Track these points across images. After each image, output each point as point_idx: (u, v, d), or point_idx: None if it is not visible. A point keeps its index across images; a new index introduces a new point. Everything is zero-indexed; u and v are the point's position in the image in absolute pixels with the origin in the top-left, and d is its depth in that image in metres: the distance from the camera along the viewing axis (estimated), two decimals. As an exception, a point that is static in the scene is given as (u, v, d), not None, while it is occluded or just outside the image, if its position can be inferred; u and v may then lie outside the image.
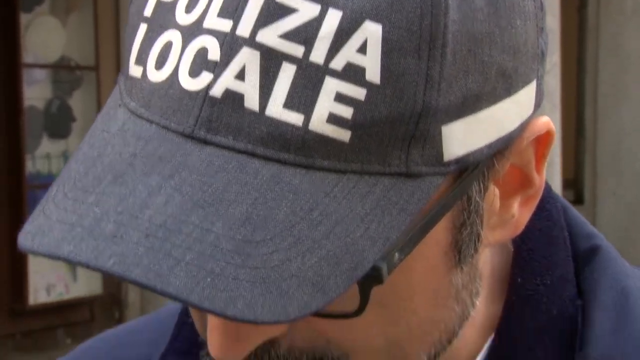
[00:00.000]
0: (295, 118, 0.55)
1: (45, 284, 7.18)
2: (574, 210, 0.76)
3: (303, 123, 0.55)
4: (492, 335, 0.71)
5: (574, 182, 9.20)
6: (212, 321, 0.60)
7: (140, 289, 7.07)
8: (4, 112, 6.95)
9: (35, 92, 7.20)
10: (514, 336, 0.70)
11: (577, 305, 0.71)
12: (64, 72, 7.41)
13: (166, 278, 0.51)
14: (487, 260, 0.71)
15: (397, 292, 0.60)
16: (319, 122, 0.55)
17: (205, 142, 0.55)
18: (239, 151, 0.55)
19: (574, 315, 0.71)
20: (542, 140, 0.64)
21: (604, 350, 0.69)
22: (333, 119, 0.55)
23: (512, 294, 0.71)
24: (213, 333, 0.60)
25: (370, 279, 0.56)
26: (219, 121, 0.55)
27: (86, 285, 7.41)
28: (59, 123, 7.34)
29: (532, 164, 0.64)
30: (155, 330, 0.81)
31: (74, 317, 7.23)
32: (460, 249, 0.62)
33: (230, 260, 0.52)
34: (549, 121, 0.64)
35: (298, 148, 0.55)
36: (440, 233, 0.61)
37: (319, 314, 0.58)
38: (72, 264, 0.53)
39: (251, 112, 0.55)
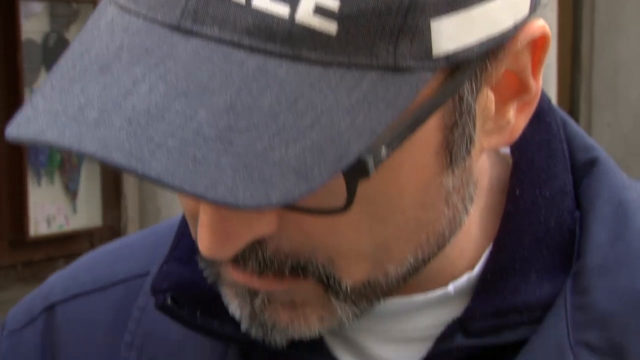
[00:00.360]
0: (281, 10, 0.54)
1: (46, 215, 7.20)
2: (573, 124, 0.75)
3: (289, 15, 0.54)
4: (490, 247, 0.70)
5: (569, 115, 9.16)
6: (202, 219, 0.60)
7: (140, 222, 7.09)
8: (2, 46, 6.91)
9: (33, 25, 7.15)
10: (512, 247, 0.70)
11: (575, 217, 0.71)
12: (61, 5, 7.35)
13: (147, 162, 0.51)
14: (485, 171, 0.71)
15: (385, 190, 0.60)
16: (305, 14, 0.54)
17: (191, 33, 0.55)
18: (225, 42, 0.54)
19: (572, 226, 0.71)
20: (538, 45, 0.63)
21: (601, 261, 0.68)
22: (319, 10, 0.54)
23: (511, 206, 0.71)
24: (202, 230, 0.60)
25: (356, 172, 0.55)
26: (204, 12, 0.54)
27: (86, 218, 7.43)
28: (56, 56, 7.29)
29: (528, 69, 0.63)
30: (154, 243, 0.81)
31: (74, 249, 7.26)
32: (452, 150, 0.61)
33: (213, 147, 0.52)
34: (545, 25, 0.63)
35: (284, 39, 0.54)
36: (430, 133, 0.60)
37: (307, 210, 0.58)
38: (57, 150, 0.53)
39: (237, 4, 0.54)
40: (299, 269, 0.62)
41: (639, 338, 0.66)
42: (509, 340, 0.68)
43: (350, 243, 0.61)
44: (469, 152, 0.63)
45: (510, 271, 0.69)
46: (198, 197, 0.51)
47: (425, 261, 0.65)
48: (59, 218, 7.32)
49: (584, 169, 0.72)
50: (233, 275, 0.64)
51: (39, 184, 7.17)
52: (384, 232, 0.61)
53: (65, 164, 7.35)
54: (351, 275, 0.62)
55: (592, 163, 0.73)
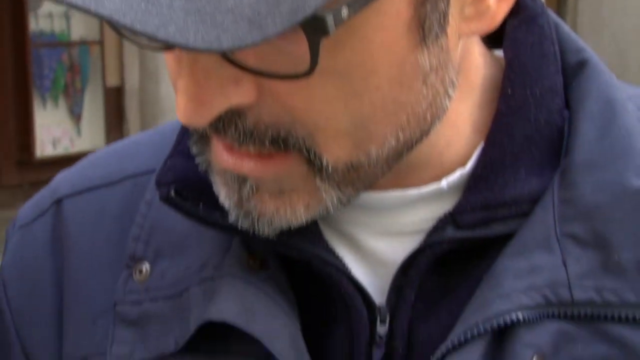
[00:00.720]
0: None
1: (51, 138, 7.20)
2: (565, 27, 0.74)
3: None
4: (482, 144, 0.70)
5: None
6: (179, 87, 0.59)
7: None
8: (6, -28, 6.83)
9: (36, -49, 7.06)
10: (502, 144, 0.70)
11: (564, 116, 0.71)
12: None
13: (101, 2, 0.51)
14: (479, 70, 0.71)
15: (358, 63, 0.59)
16: None
17: None
18: None
19: (561, 124, 0.71)
20: None
21: (587, 156, 0.68)
22: None
23: (502, 104, 0.70)
24: (179, 97, 0.59)
25: (316, 30, 0.54)
26: None
27: (90, 140, 7.43)
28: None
29: None
30: (160, 142, 0.80)
31: (79, 170, 7.27)
32: (424, 26, 0.60)
33: None
34: None
35: None
36: (400, 4, 0.59)
37: (272, 76, 0.57)
38: None
39: None
40: (279, 141, 0.61)
41: (622, 229, 0.67)
42: (497, 232, 0.69)
43: (328, 118, 0.60)
44: (443, 30, 0.62)
45: (501, 167, 0.69)
46: (148, 37, 0.50)
47: (408, 145, 0.64)
48: (64, 140, 7.32)
49: (574, 70, 0.72)
50: (219, 158, 0.64)
51: (44, 107, 7.15)
52: (360, 109, 0.60)
53: (69, 88, 7.32)
54: (332, 152, 0.62)
55: (582, 64, 0.72)
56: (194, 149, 0.66)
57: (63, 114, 7.34)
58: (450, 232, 0.69)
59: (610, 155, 0.68)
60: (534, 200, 0.69)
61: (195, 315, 0.71)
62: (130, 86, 7.56)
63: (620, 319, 0.65)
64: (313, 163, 0.62)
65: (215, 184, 0.66)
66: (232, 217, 0.66)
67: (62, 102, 7.30)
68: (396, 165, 0.66)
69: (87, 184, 0.82)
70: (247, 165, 0.63)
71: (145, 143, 0.83)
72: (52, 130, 7.19)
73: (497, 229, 0.69)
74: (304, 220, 0.65)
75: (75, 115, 7.43)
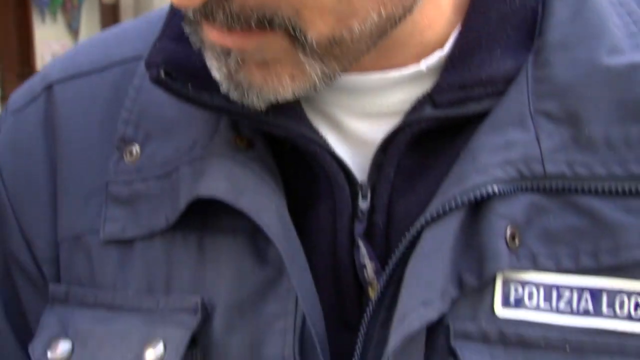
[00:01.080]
0: None
1: (51, 52, 7.13)
2: None
3: None
4: (459, 26, 0.69)
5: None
6: None
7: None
8: None
9: None
10: (478, 26, 0.68)
11: None
12: None
13: None
14: None
15: None
16: None
17: None
18: None
19: (535, 7, 0.69)
20: None
21: (560, 37, 0.67)
22: None
23: None
24: None
25: None
26: None
27: (88, 54, 7.36)
28: None
29: None
30: (147, 29, 0.79)
31: (78, 82, 7.22)
32: None
33: None
34: None
35: None
36: None
37: None
38: None
39: None
40: (265, 21, 0.60)
41: (593, 105, 0.66)
42: (474, 111, 0.68)
43: None
44: None
45: (477, 48, 0.68)
46: None
47: (391, 22, 0.62)
48: (63, 54, 7.25)
49: None
50: (206, 32, 0.62)
51: (43, 22, 7.06)
52: None
53: (66, 4, 7.22)
54: (315, 28, 0.60)
55: None
56: (187, 29, 0.65)
57: (61, 29, 7.25)
58: (428, 112, 0.68)
59: (582, 35, 0.67)
60: (509, 80, 0.68)
61: (185, 193, 0.71)
62: (125, 2, 7.47)
63: (590, 191, 0.65)
64: (297, 38, 0.60)
65: (207, 59, 0.65)
66: (224, 89, 0.65)
67: (60, 17, 7.21)
68: (381, 43, 0.65)
69: (77, 70, 0.80)
70: (230, 38, 0.61)
71: (133, 30, 0.81)
72: (51, 44, 7.12)
73: (473, 107, 0.68)
74: (291, 93, 0.64)
75: (73, 30, 7.34)
